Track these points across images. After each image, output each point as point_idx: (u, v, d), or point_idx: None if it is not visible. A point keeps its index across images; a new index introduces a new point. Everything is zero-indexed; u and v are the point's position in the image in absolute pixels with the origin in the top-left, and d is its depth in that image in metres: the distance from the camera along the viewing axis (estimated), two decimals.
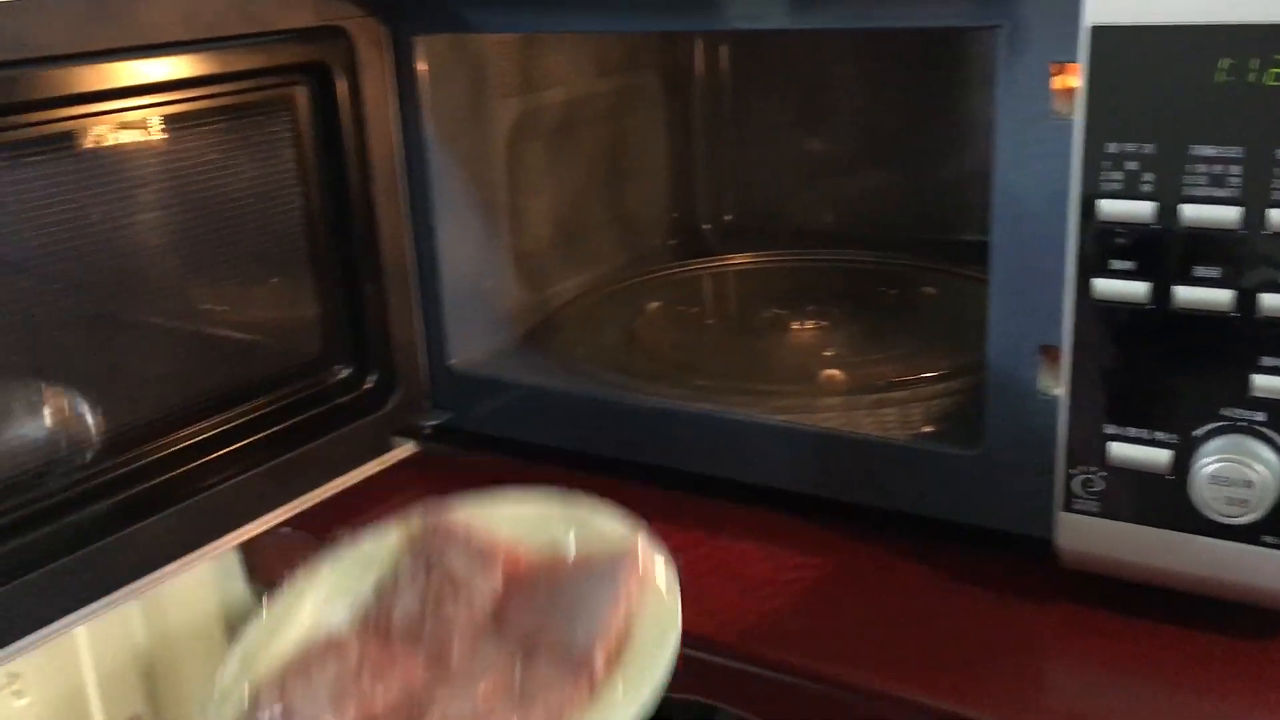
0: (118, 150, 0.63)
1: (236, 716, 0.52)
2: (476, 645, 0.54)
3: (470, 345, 0.83)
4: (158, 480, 0.66)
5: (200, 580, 0.77)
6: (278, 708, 0.51)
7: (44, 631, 0.61)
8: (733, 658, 0.60)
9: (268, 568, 0.78)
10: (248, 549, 0.77)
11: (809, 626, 0.62)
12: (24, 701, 0.80)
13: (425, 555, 0.58)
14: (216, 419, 0.70)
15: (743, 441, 0.72)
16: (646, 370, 0.80)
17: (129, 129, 0.64)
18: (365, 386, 0.78)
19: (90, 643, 0.77)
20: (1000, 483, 0.64)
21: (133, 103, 0.63)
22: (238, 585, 0.78)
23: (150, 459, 0.67)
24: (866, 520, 0.69)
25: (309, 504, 0.75)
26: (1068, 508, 0.60)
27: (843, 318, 0.81)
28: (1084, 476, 0.59)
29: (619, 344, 0.86)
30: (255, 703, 0.52)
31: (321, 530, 0.75)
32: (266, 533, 0.73)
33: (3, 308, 0.59)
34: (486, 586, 0.56)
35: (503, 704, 0.50)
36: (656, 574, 0.55)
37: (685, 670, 0.63)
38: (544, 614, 0.54)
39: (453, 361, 0.82)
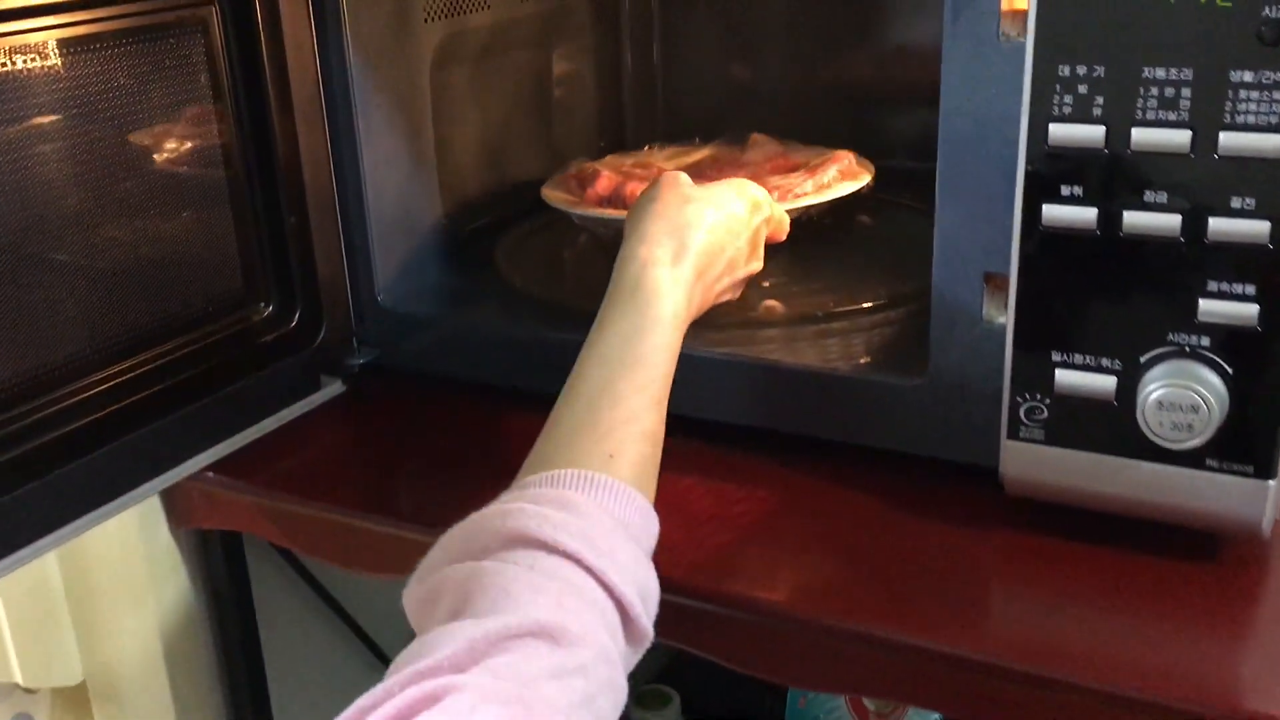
0: (15, 76, 0.59)
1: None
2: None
3: (398, 280, 0.80)
4: (74, 426, 0.63)
5: (122, 529, 0.73)
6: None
7: None
8: (682, 593, 0.59)
9: (191, 515, 0.75)
10: (170, 496, 0.74)
11: (754, 561, 0.62)
12: None
13: None
14: (134, 361, 0.67)
15: (683, 375, 0.70)
16: (579, 304, 0.78)
17: (27, 53, 0.59)
18: (290, 325, 0.75)
19: (4, 599, 0.74)
20: (944, 412, 0.63)
21: (30, 24, 0.59)
22: (162, 534, 0.75)
23: (64, 405, 0.63)
24: (809, 452, 0.69)
25: (234, 447, 0.72)
26: (1013, 435, 0.59)
27: (778, 246, 0.80)
28: (1029, 404, 0.58)
29: (550, 277, 0.84)
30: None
31: (246, 474, 0.73)
32: (190, 478, 0.70)
33: None
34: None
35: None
36: None
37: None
38: None
39: (381, 297, 0.79)
